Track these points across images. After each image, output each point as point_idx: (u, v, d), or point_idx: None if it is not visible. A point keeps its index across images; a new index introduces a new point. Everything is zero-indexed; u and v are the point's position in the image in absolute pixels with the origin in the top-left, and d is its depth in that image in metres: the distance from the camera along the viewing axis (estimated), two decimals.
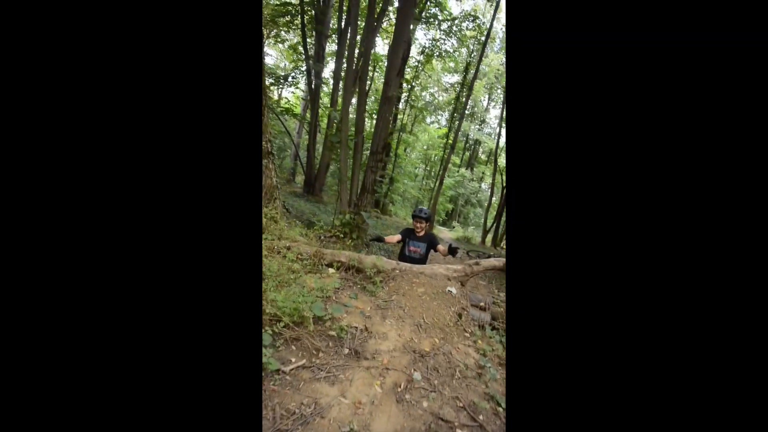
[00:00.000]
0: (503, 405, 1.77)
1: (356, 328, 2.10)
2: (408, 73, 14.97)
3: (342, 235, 6.03)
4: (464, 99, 14.13)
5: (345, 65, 5.93)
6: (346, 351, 1.85)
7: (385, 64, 6.06)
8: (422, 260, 3.54)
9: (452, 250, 3.24)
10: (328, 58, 12.11)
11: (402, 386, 1.68)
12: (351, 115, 5.85)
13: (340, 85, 7.82)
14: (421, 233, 3.40)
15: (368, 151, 6.38)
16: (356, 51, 6.43)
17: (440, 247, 3.46)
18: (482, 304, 2.80)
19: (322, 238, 5.99)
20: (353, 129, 6.05)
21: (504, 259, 3.25)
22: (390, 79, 5.84)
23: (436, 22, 12.18)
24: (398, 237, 3.47)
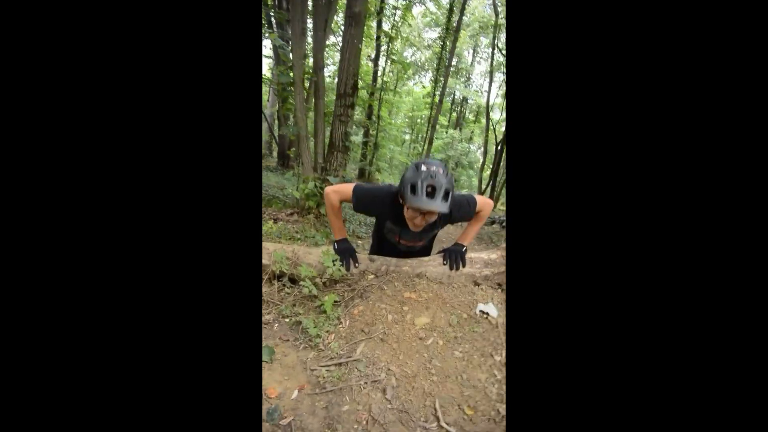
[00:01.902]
0: None
1: None
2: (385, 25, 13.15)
3: (306, 211, 4.50)
4: (449, 49, 12.52)
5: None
6: None
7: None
8: (424, 251, 1.80)
9: (455, 259, 1.53)
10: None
11: None
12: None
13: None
14: (421, 227, 1.40)
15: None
16: None
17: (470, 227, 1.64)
18: None
19: (279, 218, 4.47)
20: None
21: None
22: None
23: None
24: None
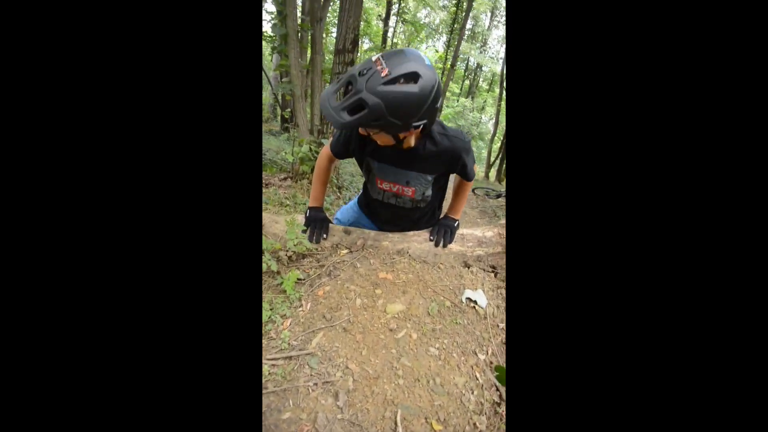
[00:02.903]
0: None
1: None
2: None
3: (300, 176, 4.28)
4: (465, 8, 11.75)
5: None
6: None
7: None
8: (421, 210, 1.33)
9: (442, 234, 1.28)
10: None
11: None
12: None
13: None
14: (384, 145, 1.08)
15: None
16: None
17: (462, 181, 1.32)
18: None
19: (270, 183, 4.26)
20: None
21: None
22: None
23: None
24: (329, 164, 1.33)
